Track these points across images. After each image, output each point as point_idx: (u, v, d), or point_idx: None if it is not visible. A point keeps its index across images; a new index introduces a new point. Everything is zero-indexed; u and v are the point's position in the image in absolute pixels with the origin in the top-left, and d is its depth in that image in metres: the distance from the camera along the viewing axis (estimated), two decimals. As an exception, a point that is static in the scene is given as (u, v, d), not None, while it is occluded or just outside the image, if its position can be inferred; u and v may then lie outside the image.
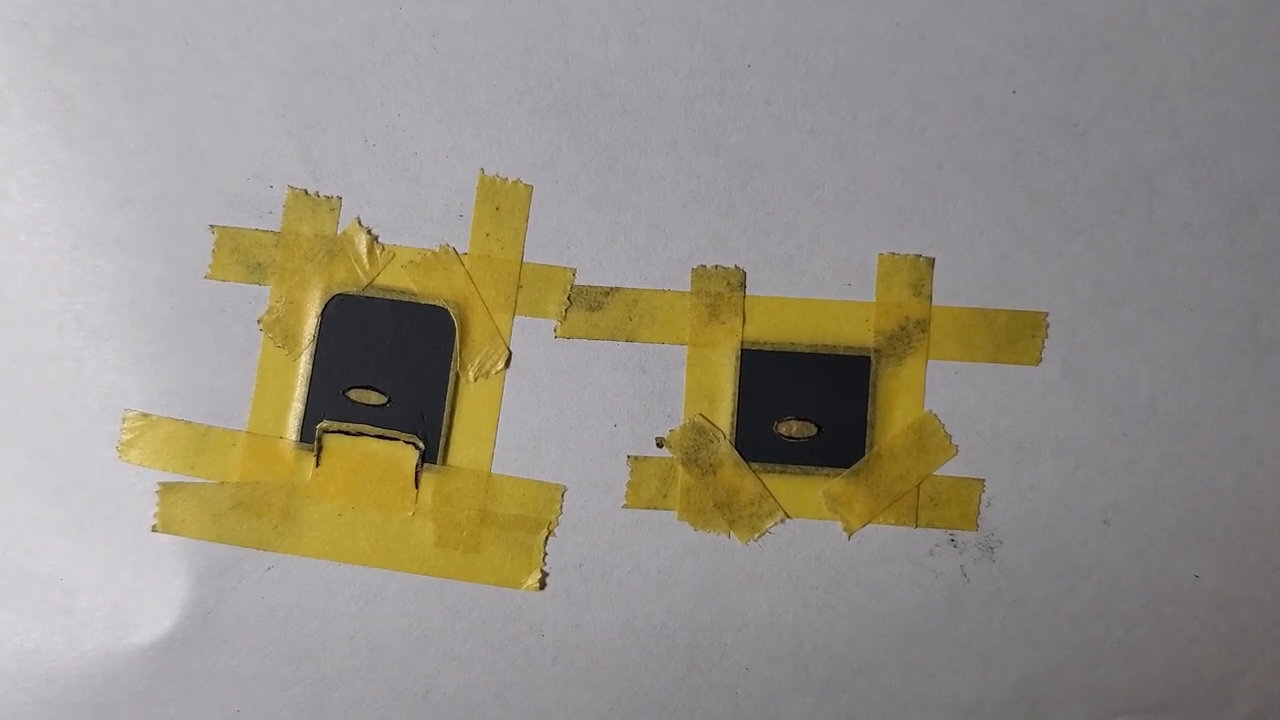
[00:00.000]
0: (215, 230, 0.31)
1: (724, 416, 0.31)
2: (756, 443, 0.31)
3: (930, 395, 0.31)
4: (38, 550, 0.31)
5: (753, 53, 0.31)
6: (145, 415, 0.31)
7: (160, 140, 0.31)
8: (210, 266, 0.31)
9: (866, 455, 0.31)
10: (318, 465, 0.31)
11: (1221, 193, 0.31)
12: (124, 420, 0.31)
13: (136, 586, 0.31)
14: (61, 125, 0.31)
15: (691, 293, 0.31)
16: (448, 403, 0.31)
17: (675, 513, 0.31)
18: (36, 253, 0.31)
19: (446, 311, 0.31)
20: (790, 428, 0.31)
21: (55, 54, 0.30)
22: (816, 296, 0.31)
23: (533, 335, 0.31)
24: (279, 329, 0.31)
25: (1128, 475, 0.31)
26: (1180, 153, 0.31)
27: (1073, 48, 0.31)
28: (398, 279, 0.31)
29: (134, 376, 0.31)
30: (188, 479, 0.31)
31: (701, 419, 0.31)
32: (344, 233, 0.31)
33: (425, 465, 0.31)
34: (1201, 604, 0.32)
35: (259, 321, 0.31)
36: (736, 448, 0.31)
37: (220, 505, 0.31)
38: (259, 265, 0.31)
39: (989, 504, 0.31)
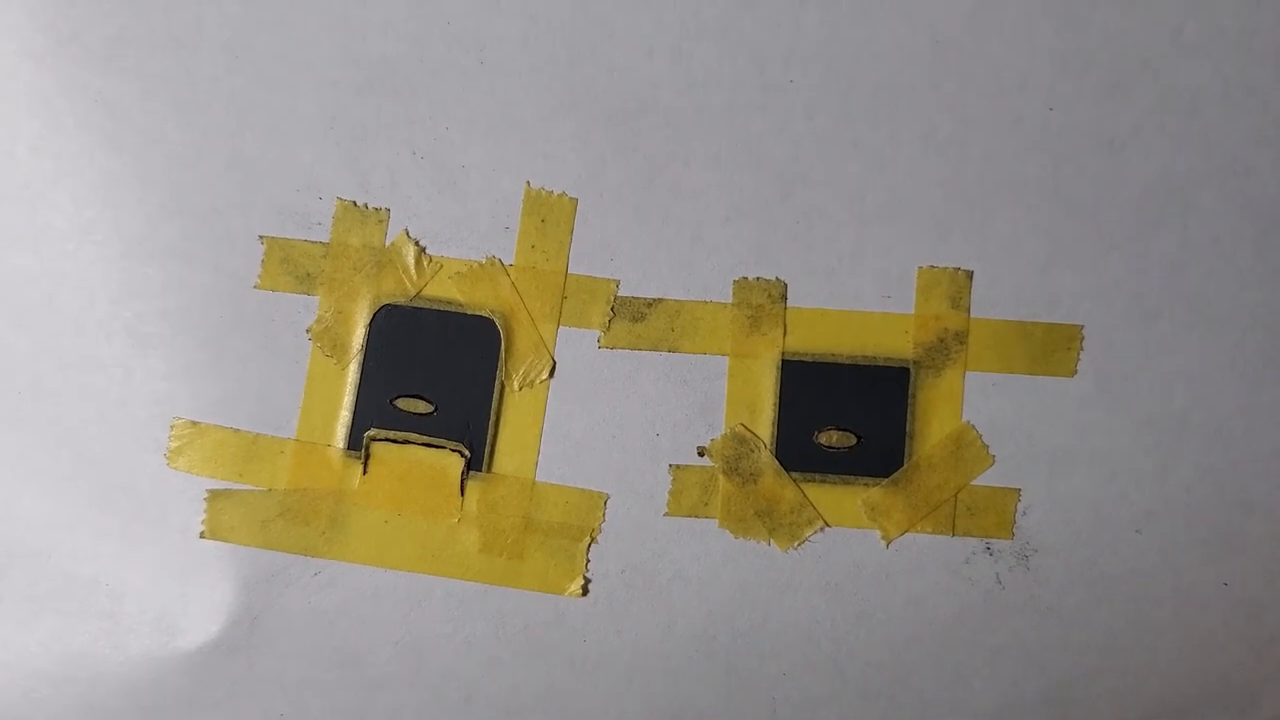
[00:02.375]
0: (265, 241, 0.31)
1: (765, 426, 0.32)
2: (797, 452, 0.32)
3: (968, 406, 0.32)
4: (84, 555, 0.32)
5: (795, 68, 0.31)
6: (194, 423, 0.31)
7: (209, 150, 0.31)
8: (260, 276, 0.31)
9: (905, 465, 0.32)
10: (365, 473, 0.31)
11: (1254, 207, 0.31)
12: (173, 428, 0.31)
13: (183, 592, 0.32)
14: (111, 135, 0.31)
15: (733, 304, 0.32)
16: (493, 411, 0.31)
17: (716, 521, 0.32)
18: (86, 261, 0.31)
19: (492, 322, 0.31)
20: (830, 438, 0.32)
21: (106, 65, 0.31)
22: (856, 308, 0.32)
23: (577, 345, 0.32)
24: (328, 338, 0.31)
25: (1160, 485, 0.32)
26: (1213, 168, 0.31)
27: (1109, 65, 0.31)
28: (445, 290, 0.31)
29: (183, 385, 0.31)
30: (236, 486, 0.31)
31: (742, 428, 0.32)
32: (392, 244, 0.31)
33: (470, 473, 0.31)
34: (1231, 611, 0.32)
35: (308, 331, 0.31)
36: (777, 457, 0.32)
37: (268, 512, 0.31)
38: (308, 275, 0.31)
39: (1024, 513, 0.32)
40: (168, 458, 0.31)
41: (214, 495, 0.31)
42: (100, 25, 0.31)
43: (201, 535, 0.31)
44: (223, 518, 0.31)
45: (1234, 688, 0.32)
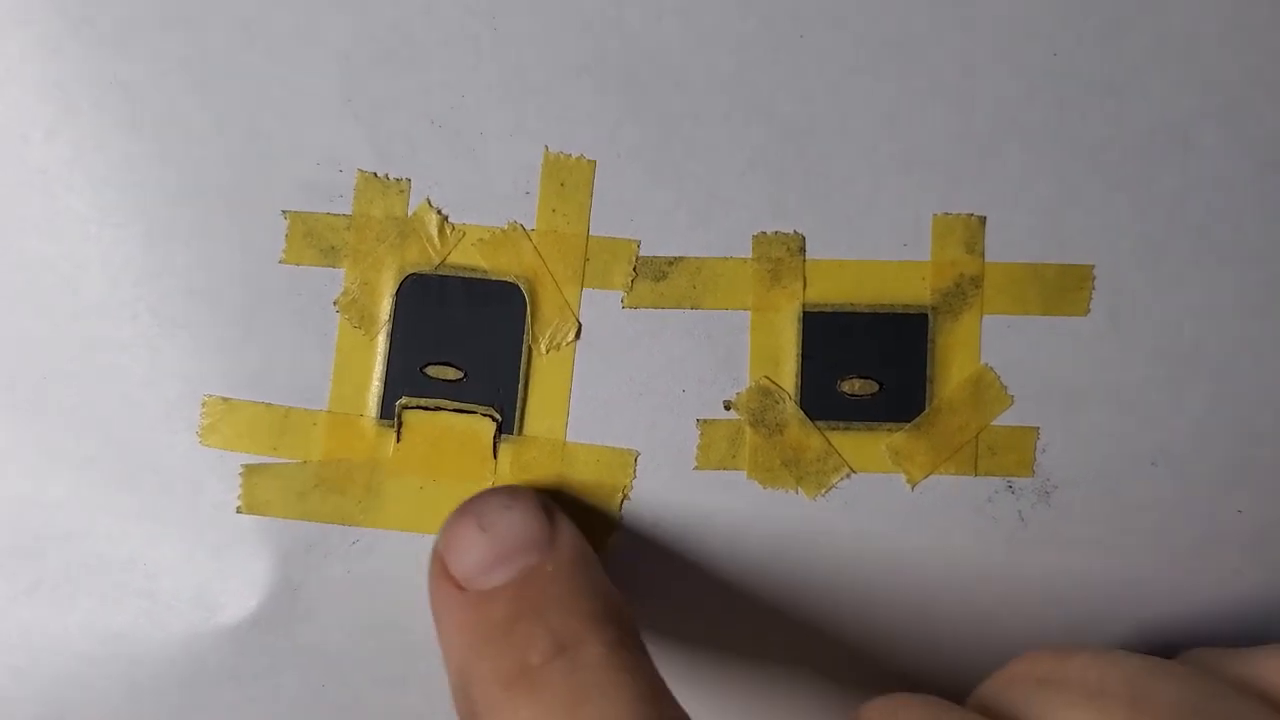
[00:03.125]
0: (288, 216, 0.31)
1: (788, 378, 0.32)
2: (820, 401, 0.32)
3: (985, 348, 0.32)
4: (118, 536, 0.32)
5: (803, 24, 0.32)
6: (225, 400, 0.31)
7: (228, 128, 0.31)
8: (284, 251, 0.31)
9: (927, 409, 0.32)
10: (398, 440, 0.32)
11: (1253, 144, 0.32)
12: (204, 405, 0.31)
13: (220, 567, 0.32)
14: (128, 117, 0.31)
15: (753, 259, 0.32)
16: (521, 375, 0.32)
17: (744, 472, 0.32)
18: (108, 244, 0.31)
19: (517, 287, 0.32)
20: (853, 385, 0.32)
21: (119, 46, 0.31)
22: (874, 258, 0.32)
23: (601, 307, 0.32)
24: (355, 310, 0.32)
25: (1173, 417, 0.33)
26: (1213, 108, 0.32)
27: (1109, 11, 0.32)
28: (469, 257, 0.32)
29: (212, 362, 0.31)
30: (270, 460, 0.32)
31: (767, 381, 0.32)
32: (415, 214, 0.32)
33: (502, 436, 0.32)
34: (1245, 537, 0.33)
35: (335, 303, 0.32)
36: (801, 407, 0.32)
37: (304, 484, 0.32)
38: (332, 248, 0.31)
39: (1044, 450, 0.33)
40: (200, 435, 0.31)
41: (249, 470, 0.31)
42: (112, 7, 0.31)
43: (238, 510, 0.32)
44: (259, 492, 0.32)
45: (1252, 610, 0.34)
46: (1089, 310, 0.32)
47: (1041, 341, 0.32)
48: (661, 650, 0.33)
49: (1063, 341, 0.32)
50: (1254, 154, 0.32)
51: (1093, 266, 0.32)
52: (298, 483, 0.32)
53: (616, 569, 0.32)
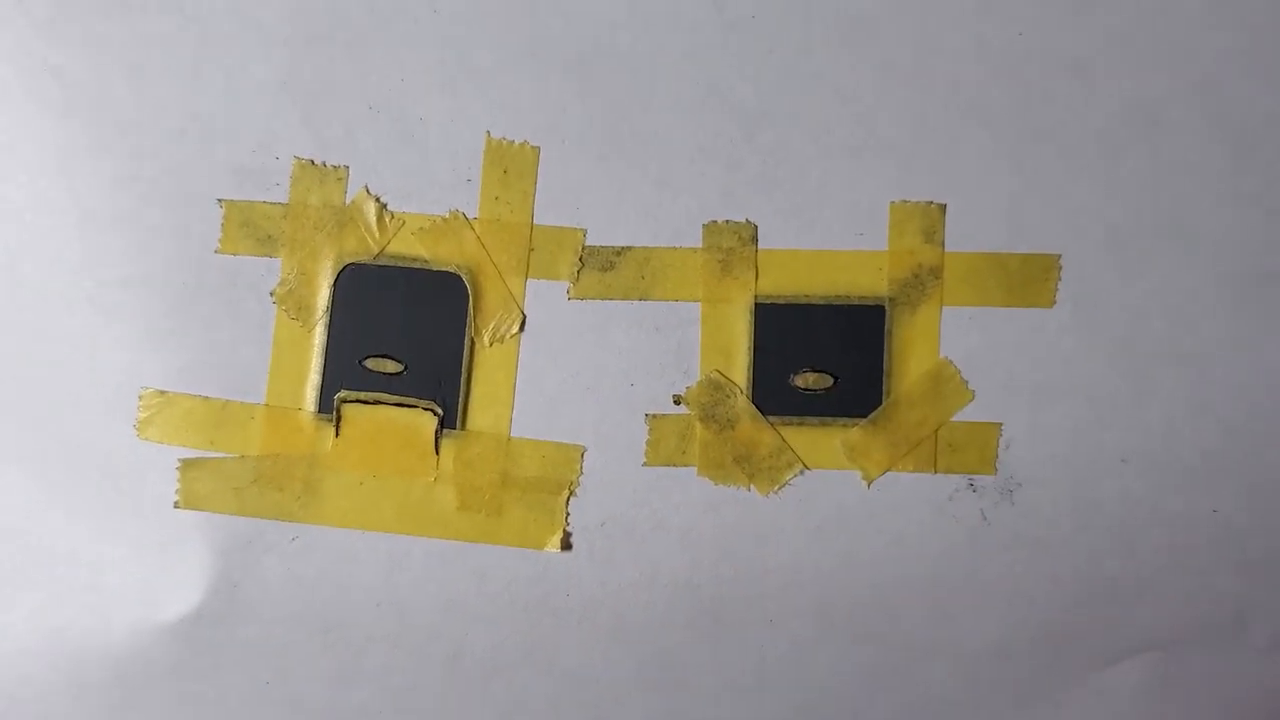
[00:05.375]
0: (223, 204, 0.31)
1: (740, 371, 0.31)
2: (773, 396, 0.31)
3: (945, 341, 0.31)
4: (62, 531, 0.31)
5: (754, 3, 0.31)
6: (162, 392, 0.31)
7: (163, 114, 0.30)
8: (220, 240, 0.31)
9: (884, 404, 0.31)
10: (337, 435, 0.31)
11: (1225, 127, 0.31)
12: (141, 398, 0.31)
13: (162, 563, 0.31)
14: (62, 103, 0.30)
15: (703, 249, 0.31)
16: (464, 368, 0.31)
17: (695, 469, 0.31)
18: (44, 232, 0.30)
19: (459, 277, 0.31)
20: (807, 380, 0.31)
21: (51, 30, 0.30)
22: (829, 248, 0.31)
23: (546, 298, 0.31)
24: (292, 301, 0.31)
25: (1143, 412, 0.31)
26: (1184, 88, 0.31)
27: (1077, -14, 0.31)
28: (409, 246, 0.31)
29: (149, 354, 0.31)
30: (208, 454, 0.31)
31: (718, 375, 0.31)
32: (352, 202, 0.31)
33: (445, 431, 0.31)
34: (1219, 536, 0.32)
35: (272, 294, 0.31)
36: (754, 402, 0.31)
37: (242, 479, 0.31)
38: (269, 237, 0.31)
39: (1007, 447, 0.31)
40: (137, 428, 0.31)
41: (186, 464, 0.31)
42: (44, -9, 0.30)
43: (176, 505, 0.31)
44: (196, 486, 0.31)
45: (1225, 612, 0.32)
46: (1054, 302, 0.31)
47: (1004, 334, 0.31)
48: (610, 650, 0.32)
49: (1026, 334, 0.31)
50: (1228, 136, 0.31)
51: (1058, 256, 0.31)
52: (235, 478, 0.31)
53: (563, 568, 0.32)
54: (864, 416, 0.31)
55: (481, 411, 0.31)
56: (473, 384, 0.31)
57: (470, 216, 0.31)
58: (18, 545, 0.31)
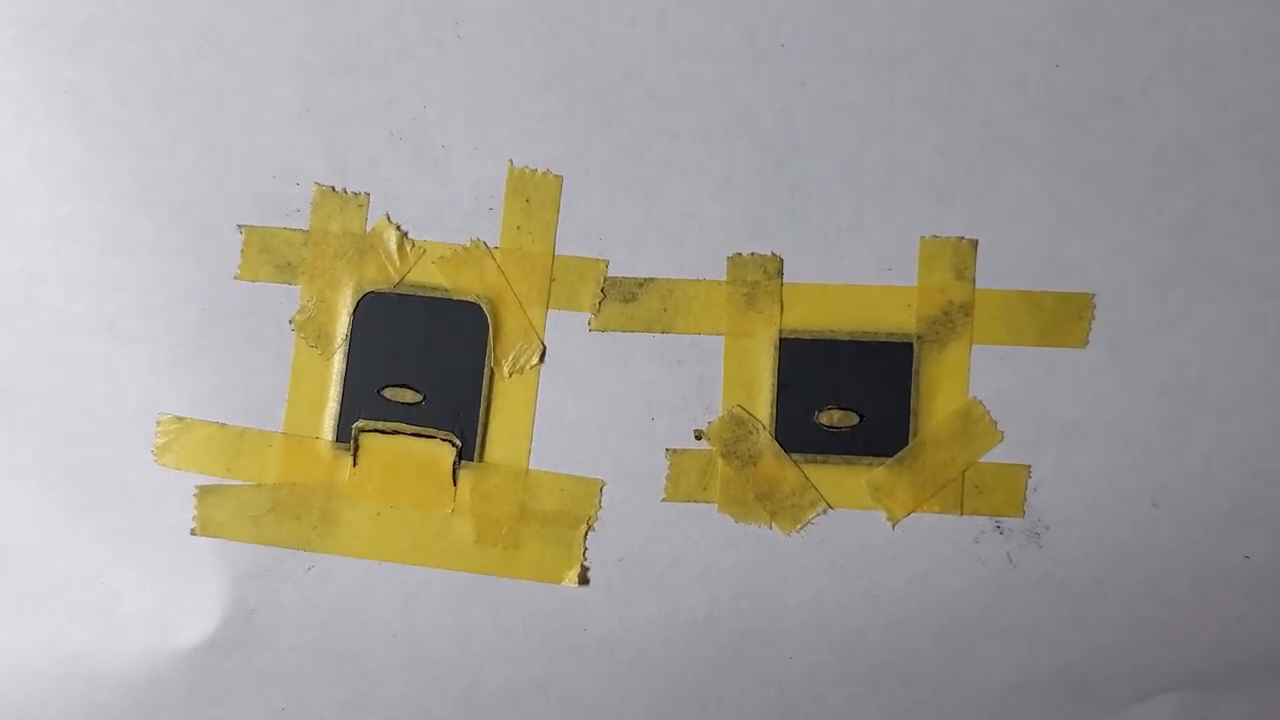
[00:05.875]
0: (243, 230, 0.30)
1: (763, 407, 0.31)
2: (797, 433, 0.31)
3: (975, 380, 0.31)
4: (79, 555, 0.31)
5: (786, 32, 0.30)
6: (180, 419, 0.30)
7: (184, 139, 0.30)
8: (240, 267, 0.30)
9: (910, 443, 0.31)
10: (355, 465, 0.31)
11: (1273, 165, 0.30)
12: (159, 424, 0.30)
13: (178, 589, 0.31)
14: (84, 126, 0.30)
15: (727, 281, 0.30)
16: (483, 399, 0.31)
17: (716, 505, 0.31)
18: (64, 256, 0.30)
19: (479, 307, 0.31)
20: (831, 417, 0.31)
21: (74, 53, 0.30)
22: (856, 282, 0.30)
23: (567, 329, 0.31)
24: (311, 328, 0.30)
25: (1177, 457, 0.30)
26: (1231, 125, 0.30)
27: (1117, 18, 0.30)
28: (429, 275, 0.30)
29: (167, 380, 0.30)
30: (225, 481, 0.31)
31: (740, 410, 0.31)
32: (373, 230, 0.30)
33: (462, 462, 0.31)
34: (1252, 583, 0.31)
35: (291, 321, 0.30)
36: (776, 438, 0.31)
37: (259, 507, 0.31)
38: (289, 264, 0.30)
39: (1035, 489, 0.31)
40: (155, 454, 0.31)
41: (203, 491, 0.31)
42: (68, 13, 0.30)
43: (192, 532, 0.31)
44: (213, 514, 0.31)
45: (1254, 659, 0.31)
46: (1087, 342, 0.30)
47: (1035, 374, 0.30)
48: (627, 685, 0.32)
49: (1058, 374, 0.30)
50: (1270, 176, 0.30)
51: (1093, 295, 0.30)
52: (252, 505, 0.31)
53: (581, 602, 0.31)
54: (889, 456, 0.31)
55: (500, 443, 0.31)
56: (492, 415, 0.31)
57: (491, 246, 0.31)
58: (34, 569, 0.31)
